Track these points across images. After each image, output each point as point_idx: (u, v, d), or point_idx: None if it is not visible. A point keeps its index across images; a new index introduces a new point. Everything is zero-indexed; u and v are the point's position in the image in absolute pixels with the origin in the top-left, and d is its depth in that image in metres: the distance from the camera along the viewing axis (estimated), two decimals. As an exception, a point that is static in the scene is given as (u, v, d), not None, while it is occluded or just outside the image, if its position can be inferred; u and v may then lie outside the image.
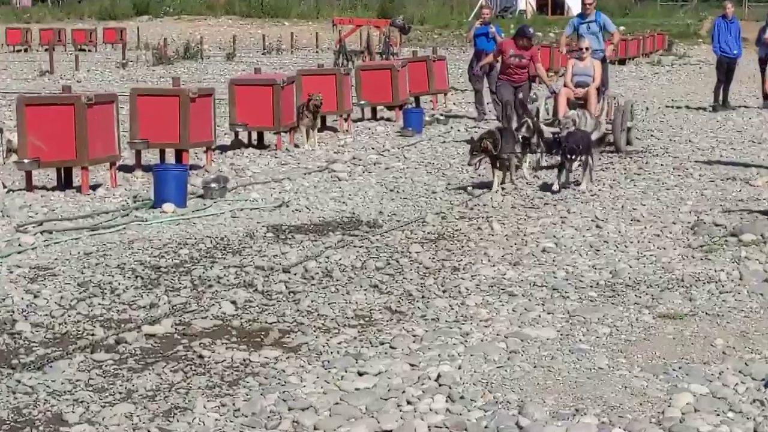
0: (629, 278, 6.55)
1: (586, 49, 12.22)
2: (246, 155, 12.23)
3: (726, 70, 17.96)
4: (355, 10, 49.98)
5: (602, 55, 12.82)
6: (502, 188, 9.63)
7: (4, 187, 9.52)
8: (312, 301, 5.93)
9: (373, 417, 4.16)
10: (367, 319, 5.61)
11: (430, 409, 4.22)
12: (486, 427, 4.06)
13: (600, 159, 11.73)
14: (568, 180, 9.72)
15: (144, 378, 4.54)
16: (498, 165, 9.56)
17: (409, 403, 4.29)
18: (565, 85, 12.26)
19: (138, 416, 4.19)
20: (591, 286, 6.33)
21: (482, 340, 5.14)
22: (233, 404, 4.26)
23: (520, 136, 10.29)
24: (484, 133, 9.87)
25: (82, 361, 4.74)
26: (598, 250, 7.33)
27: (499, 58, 12.69)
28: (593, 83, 12.01)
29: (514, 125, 11.37)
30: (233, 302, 5.84)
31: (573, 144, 9.04)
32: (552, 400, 4.31)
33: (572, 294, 6.08)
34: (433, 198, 9.43)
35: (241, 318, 5.59)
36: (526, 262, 6.96)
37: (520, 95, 12.37)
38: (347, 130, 14.36)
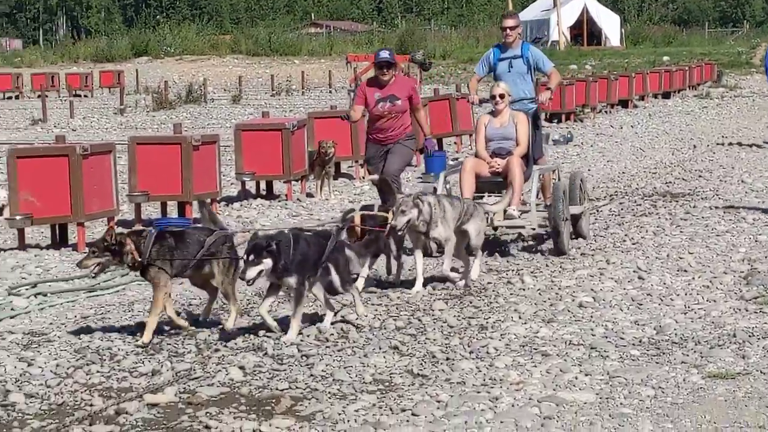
0: (675, 335, 6.85)
1: (500, 96, 9.48)
2: (254, 206, 12.79)
3: None
4: (371, 45, 51.27)
5: (533, 107, 10.15)
6: None
7: None
8: (327, 365, 6.21)
9: None
10: (387, 383, 5.84)
11: None
12: None
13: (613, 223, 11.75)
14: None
15: None
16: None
17: None
18: (475, 155, 9.81)
19: None
20: (633, 344, 6.61)
21: (513, 406, 5.33)
22: None
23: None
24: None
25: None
26: (640, 305, 7.69)
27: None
28: (517, 149, 9.46)
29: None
30: (241, 367, 6.12)
31: (256, 242, 6.52)
32: None
33: (612, 353, 6.33)
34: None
35: (250, 384, 5.85)
36: (560, 319, 7.31)
37: (395, 164, 9.86)
38: (363, 177, 14.75)
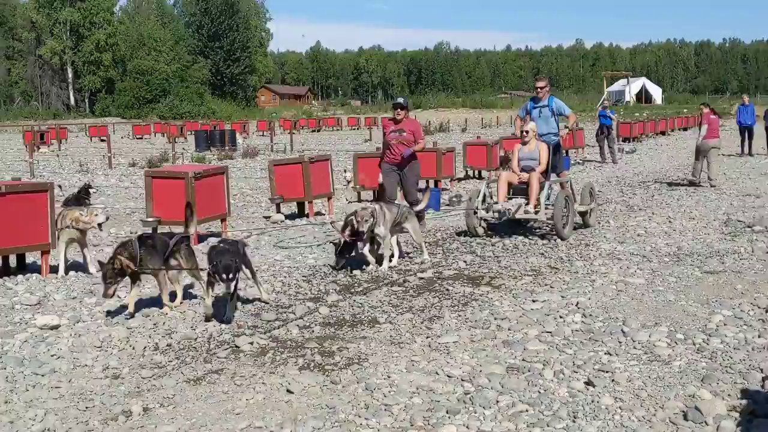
0: (687, 251, 10.46)
1: (527, 132, 12.07)
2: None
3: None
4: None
5: (555, 139, 12.71)
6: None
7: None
8: (507, 261, 9.92)
9: (541, 324, 7.05)
10: (537, 271, 9.42)
11: (573, 321, 7.09)
12: (604, 331, 6.75)
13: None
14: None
15: (418, 300, 8.12)
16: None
17: (560, 317, 7.25)
18: (511, 169, 12.17)
19: (415, 320, 7.39)
20: (665, 255, 10.15)
21: (602, 284, 8.53)
22: (465, 316, 7.43)
23: (340, 240, 9.78)
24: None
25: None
26: (669, 235, 11.72)
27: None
28: (539, 167, 11.86)
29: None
30: (465, 261, 9.90)
31: (226, 263, 7.20)
32: (642, 317, 7.16)
33: (654, 259, 9.87)
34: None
35: (469, 269, 9.59)
36: (628, 242, 11.20)
37: (410, 179, 11.84)
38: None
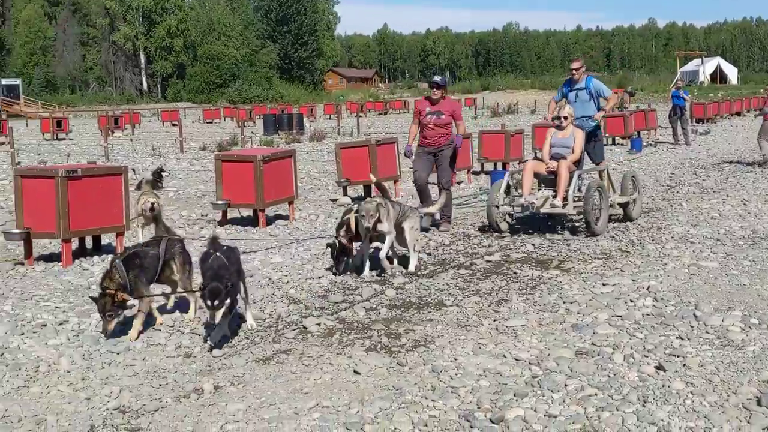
0: (763, 234, 10.31)
1: (564, 118, 10.99)
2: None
3: None
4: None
5: (592, 124, 11.64)
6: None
7: None
8: (576, 244, 9.89)
9: (611, 308, 6.97)
10: (607, 255, 9.35)
11: (644, 305, 6.99)
12: (675, 315, 6.65)
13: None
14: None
15: (485, 283, 8.18)
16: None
17: (631, 301, 7.15)
18: (539, 158, 11.20)
19: (482, 303, 7.39)
20: (740, 239, 10.00)
21: (674, 268, 8.43)
22: (533, 299, 7.41)
23: (339, 240, 8.68)
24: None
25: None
26: (744, 218, 11.56)
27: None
28: (571, 156, 10.80)
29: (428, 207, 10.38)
30: (533, 244, 9.90)
31: (213, 287, 6.11)
32: (715, 301, 7.04)
33: (728, 243, 9.72)
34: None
35: (537, 253, 9.60)
36: (701, 225, 11.08)
37: (446, 162, 11.17)
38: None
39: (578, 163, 10.94)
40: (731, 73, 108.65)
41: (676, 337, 6.23)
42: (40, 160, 24.23)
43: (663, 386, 5.26)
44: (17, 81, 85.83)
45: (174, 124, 43.66)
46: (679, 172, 18.00)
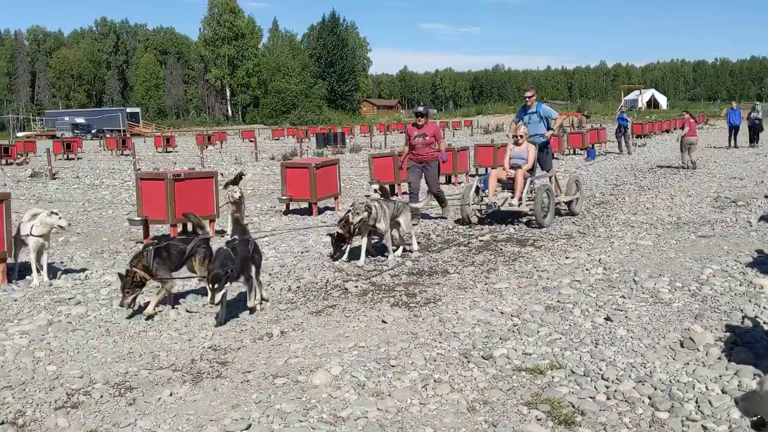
0: (685, 220, 10.11)
1: (520, 136, 10.50)
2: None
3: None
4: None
5: (543, 140, 11.02)
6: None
7: None
8: (547, 228, 9.72)
9: (572, 275, 6.85)
10: (569, 236, 9.24)
11: (596, 273, 6.92)
12: (619, 280, 6.55)
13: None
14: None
15: (478, 257, 7.96)
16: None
17: (586, 269, 7.09)
18: (503, 167, 10.69)
19: (476, 271, 7.23)
20: (668, 224, 9.81)
21: (619, 245, 8.31)
22: (514, 268, 7.31)
23: (338, 231, 7.90)
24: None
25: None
26: (671, 208, 11.30)
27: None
28: (525, 165, 10.38)
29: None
30: (514, 228, 9.75)
31: (218, 269, 5.47)
32: (649, 270, 6.97)
33: (659, 227, 9.56)
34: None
35: (517, 235, 9.44)
36: (639, 213, 10.87)
37: (432, 174, 10.54)
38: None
39: (532, 171, 10.52)
40: (662, 100, 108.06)
41: (620, 296, 6.18)
42: (154, 167, 24.40)
43: (610, 332, 5.22)
44: (137, 109, 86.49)
45: (251, 141, 43.75)
46: (622, 175, 17.72)
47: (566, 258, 7.86)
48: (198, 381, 4.55)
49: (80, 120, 74.23)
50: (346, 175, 19.05)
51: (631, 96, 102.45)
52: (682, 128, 19.38)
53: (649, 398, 4.08)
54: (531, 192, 10.31)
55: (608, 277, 6.86)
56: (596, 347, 4.94)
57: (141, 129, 77.60)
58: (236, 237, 6.09)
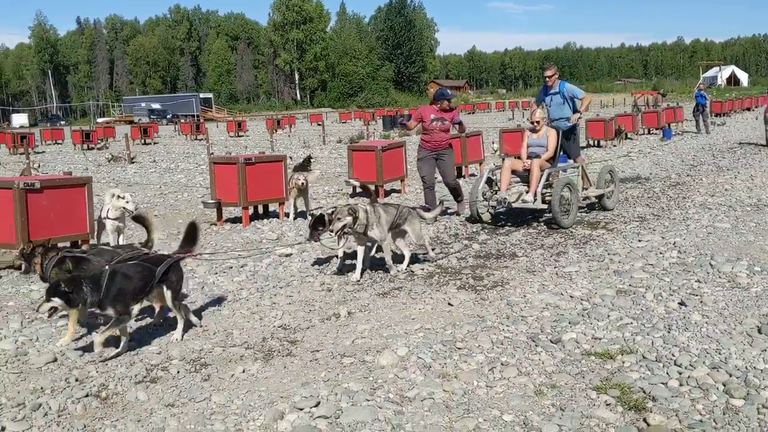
0: (766, 201, 9.75)
1: (537, 122, 9.11)
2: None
3: None
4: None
5: (567, 125, 9.58)
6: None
7: None
8: (618, 210, 9.55)
9: (644, 258, 6.68)
10: (642, 218, 8.97)
11: (670, 256, 6.73)
12: (695, 264, 6.38)
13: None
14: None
15: (548, 240, 7.94)
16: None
17: (660, 253, 6.90)
18: (520, 157, 9.26)
19: (545, 254, 7.25)
20: (748, 206, 9.45)
21: (695, 228, 8.07)
22: (584, 251, 7.19)
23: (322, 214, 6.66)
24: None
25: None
26: (752, 189, 10.89)
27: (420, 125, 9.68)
28: (545, 154, 9.01)
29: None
30: (585, 211, 9.57)
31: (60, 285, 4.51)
32: (726, 254, 6.76)
33: (738, 209, 9.20)
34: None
35: (588, 217, 9.24)
36: (717, 195, 10.51)
37: (447, 163, 9.48)
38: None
39: (553, 160, 9.13)
40: (743, 77, 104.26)
41: (696, 281, 6.00)
42: (227, 151, 24.97)
43: (684, 318, 5.08)
44: (210, 95, 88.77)
45: (319, 124, 44.26)
46: (700, 155, 17.08)
47: (639, 241, 7.66)
48: (269, 359, 4.68)
49: (156, 106, 76.79)
50: (413, 158, 18.91)
51: (710, 73, 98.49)
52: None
53: (724, 385, 3.97)
54: (550, 186, 8.86)
55: (683, 261, 6.65)
56: (669, 332, 4.82)
57: (213, 114, 79.59)
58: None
